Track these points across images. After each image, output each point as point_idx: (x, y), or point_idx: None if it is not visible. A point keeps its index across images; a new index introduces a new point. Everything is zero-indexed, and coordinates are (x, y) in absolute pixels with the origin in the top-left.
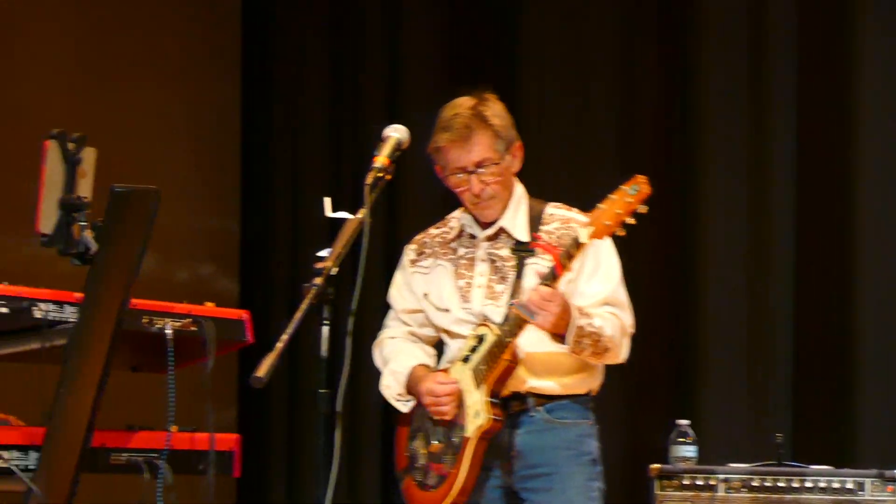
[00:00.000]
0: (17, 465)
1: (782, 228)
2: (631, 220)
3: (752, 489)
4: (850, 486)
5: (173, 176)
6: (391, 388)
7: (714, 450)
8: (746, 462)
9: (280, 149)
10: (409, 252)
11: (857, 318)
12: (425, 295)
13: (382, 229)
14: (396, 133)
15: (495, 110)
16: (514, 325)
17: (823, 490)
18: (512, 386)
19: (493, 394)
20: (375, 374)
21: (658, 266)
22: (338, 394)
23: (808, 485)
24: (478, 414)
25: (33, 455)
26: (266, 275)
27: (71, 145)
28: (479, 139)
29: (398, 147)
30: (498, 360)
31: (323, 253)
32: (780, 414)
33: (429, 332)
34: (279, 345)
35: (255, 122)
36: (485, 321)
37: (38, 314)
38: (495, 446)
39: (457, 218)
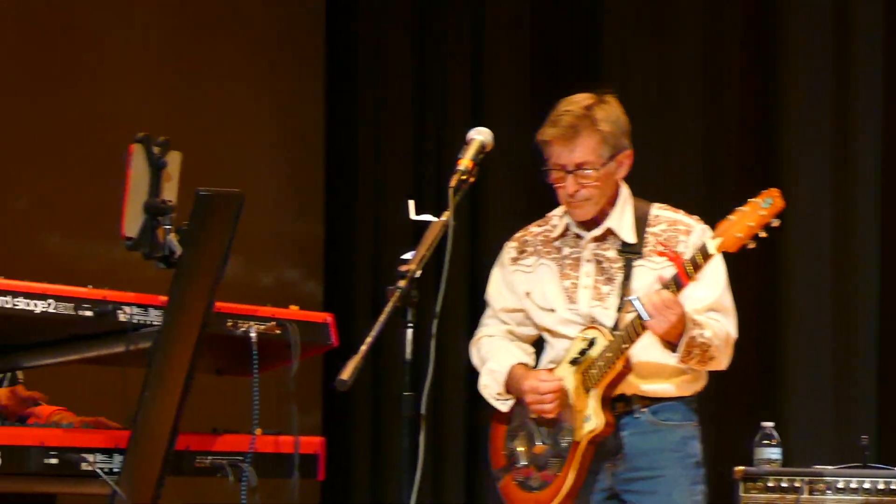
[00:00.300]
0: (101, 469)
1: (867, 230)
2: (763, 234)
3: (836, 491)
4: None
5: (257, 179)
6: (490, 387)
7: (799, 452)
8: (831, 464)
9: (363, 152)
10: (510, 249)
11: None
12: (527, 294)
13: (465, 232)
14: (480, 136)
15: (609, 114)
16: (630, 332)
17: None
18: (619, 388)
19: (605, 399)
20: (459, 377)
21: (743, 268)
22: (422, 397)
23: (894, 487)
24: (588, 418)
25: (118, 458)
26: (350, 278)
27: (156, 149)
28: (583, 141)
29: (482, 150)
30: (612, 366)
31: (406, 256)
32: (865, 415)
33: (528, 330)
34: (363, 348)
35: (338, 125)
36: (594, 324)
37: (122, 317)
38: (602, 449)
39: (559, 216)
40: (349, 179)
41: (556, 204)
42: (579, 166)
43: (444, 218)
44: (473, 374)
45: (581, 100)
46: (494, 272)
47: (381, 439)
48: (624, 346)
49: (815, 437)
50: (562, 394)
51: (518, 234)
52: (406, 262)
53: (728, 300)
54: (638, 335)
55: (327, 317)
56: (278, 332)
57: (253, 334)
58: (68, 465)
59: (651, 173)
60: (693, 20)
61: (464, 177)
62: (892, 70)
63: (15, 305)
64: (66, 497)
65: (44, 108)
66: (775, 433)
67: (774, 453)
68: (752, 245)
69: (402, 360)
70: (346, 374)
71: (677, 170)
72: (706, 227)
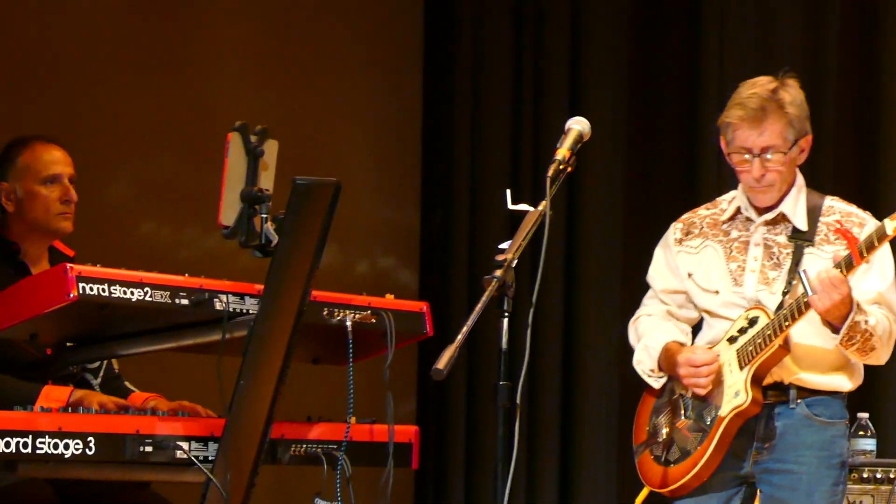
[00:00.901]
0: (196, 457)
1: None
2: None
3: None
4: None
5: (355, 168)
6: (643, 362)
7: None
8: None
9: (460, 141)
10: (676, 231)
11: None
12: (689, 275)
13: (562, 222)
14: (578, 125)
15: (794, 97)
16: (793, 308)
17: None
18: (776, 375)
19: (757, 377)
20: (554, 367)
21: None
22: (517, 387)
23: None
24: (738, 394)
25: (213, 447)
26: (446, 267)
27: (253, 138)
28: (771, 124)
29: (579, 139)
30: (770, 343)
31: (503, 245)
32: None
33: (688, 312)
34: (459, 337)
35: (435, 114)
36: (758, 306)
37: (218, 306)
38: (747, 432)
39: (730, 200)
40: (446, 168)
41: (655, 196)
42: (765, 149)
43: (540, 207)
44: (568, 365)
45: (766, 82)
46: (657, 252)
47: (476, 429)
48: (785, 323)
49: None
50: (717, 370)
51: (685, 216)
52: (502, 251)
53: (894, 296)
54: (801, 313)
55: (423, 306)
56: (374, 321)
57: (348, 323)
58: (164, 452)
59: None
60: (792, 21)
61: (561, 166)
62: None
63: (112, 294)
64: (160, 485)
65: (146, 99)
66: (870, 424)
67: (869, 444)
68: None
69: (498, 350)
70: (442, 363)
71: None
72: (879, 223)
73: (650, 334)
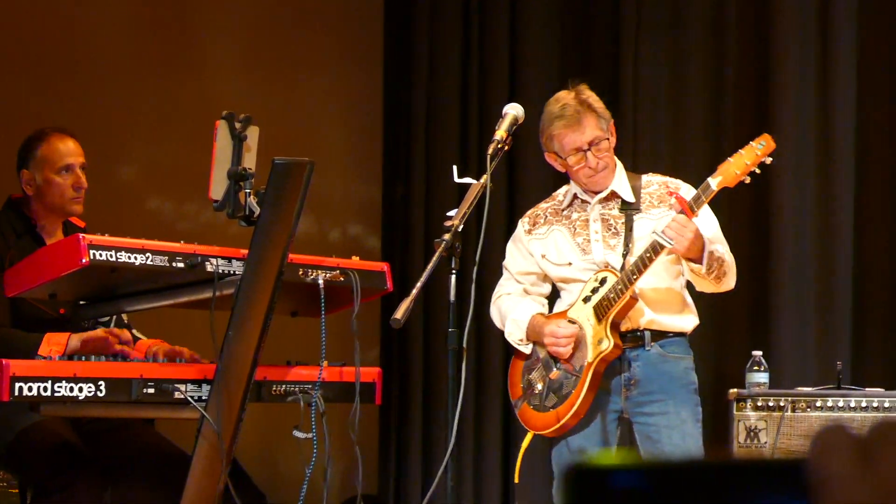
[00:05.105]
0: (191, 397)
1: (845, 176)
2: (758, 171)
3: (815, 409)
4: None
5: (327, 149)
6: (513, 334)
7: (786, 376)
8: (812, 386)
9: (416, 125)
10: (524, 224)
11: None
12: (543, 256)
13: (503, 192)
14: (513, 110)
15: (592, 96)
16: (638, 264)
17: (876, 409)
18: (632, 322)
19: (615, 325)
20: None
21: (738, 219)
22: (464, 332)
23: (864, 405)
24: (601, 341)
25: (206, 388)
26: (405, 232)
27: (238, 124)
28: (588, 121)
29: (515, 122)
30: (622, 295)
31: (451, 213)
32: (841, 344)
33: (539, 289)
34: (413, 291)
35: (395, 101)
36: (606, 266)
37: (210, 268)
38: (614, 374)
39: (565, 193)
40: (405, 148)
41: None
42: (591, 143)
43: (482, 180)
44: None
45: (566, 95)
46: (510, 246)
47: (431, 369)
48: (634, 276)
49: (799, 364)
50: (575, 338)
51: (529, 212)
52: (450, 218)
53: (722, 238)
54: (646, 266)
55: (384, 266)
56: (342, 279)
57: (321, 281)
58: (164, 393)
59: (659, 148)
60: (698, 13)
61: (500, 145)
62: (863, 26)
63: (119, 259)
64: (162, 421)
65: (152, 94)
66: (763, 360)
67: (762, 377)
68: (748, 181)
69: (448, 301)
70: (399, 313)
71: (684, 144)
72: (690, 186)
73: (515, 309)
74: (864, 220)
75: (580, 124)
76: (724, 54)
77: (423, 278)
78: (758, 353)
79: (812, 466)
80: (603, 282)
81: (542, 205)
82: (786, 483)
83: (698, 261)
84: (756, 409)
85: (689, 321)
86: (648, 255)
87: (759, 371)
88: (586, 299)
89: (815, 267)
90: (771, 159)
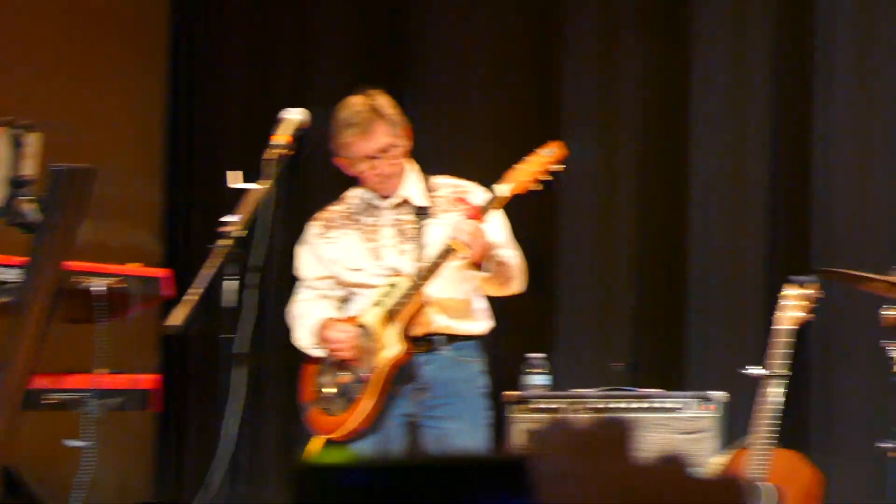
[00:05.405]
0: None
1: (627, 185)
2: (548, 177)
3: (594, 410)
4: (675, 405)
5: (110, 156)
6: (304, 338)
7: (568, 379)
8: (596, 388)
9: (200, 132)
10: (314, 227)
11: (687, 270)
12: (335, 261)
13: (287, 199)
14: (292, 115)
15: (385, 102)
16: (426, 270)
17: (655, 410)
18: (424, 326)
19: (405, 330)
20: (279, 321)
21: (526, 216)
22: (242, 338)
23: (644, 406)
24: (392, 346)
25: None
26: (186, 238)
27: (18, 131)
28: (379, 129)
29: (298, 127)
30: (411, 299)
31: (227, 218)
32: (623, 347)
33: (337, 292)
34: (186, 297)
35: (180, 108)
36: (397, 272)
37: None
38: (405, 378)
39: (354, 195)
40: (188, 154)
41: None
42: (383, 150)
43: (260, 186)
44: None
45: (357, 100)
46: (302, 250)
47: (210, 375)
48: (423, 281)
49: (582, 366)
50: (358, 338)
51: (319, 214)
52: (226, 224)
53: (513, 243)
54: (435, 271)
55: (164, 272)
56: (123, 285)
57: (101, 288)
58: None
59: (450, 151)
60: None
61: (276, 150)
62: (650, 34)
63: None
64: None
65: None
66: (542, 362)
67: (541, 380)
68: (538, 187)
69: (226, 307)
70: (177, 319)
71: (469, 146)
72: (482, 188)
73: (307, 314)
74: (646, 225)
75: (371, 132)
76: (510, 54)
77: (196, 284)
78: (536, 355)
79: (534, 464)
80: (394, 287)
81: (332, 208)
82: (509, 480)
83: (484, 266)
84: (531, 411)
85: (480, 325)
86: (438, 259)
87: (537, 373)
88: (377, 304)
89: (598, 272)
90: (563, 166)
